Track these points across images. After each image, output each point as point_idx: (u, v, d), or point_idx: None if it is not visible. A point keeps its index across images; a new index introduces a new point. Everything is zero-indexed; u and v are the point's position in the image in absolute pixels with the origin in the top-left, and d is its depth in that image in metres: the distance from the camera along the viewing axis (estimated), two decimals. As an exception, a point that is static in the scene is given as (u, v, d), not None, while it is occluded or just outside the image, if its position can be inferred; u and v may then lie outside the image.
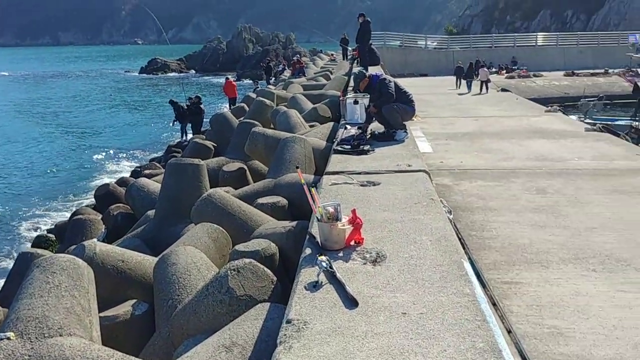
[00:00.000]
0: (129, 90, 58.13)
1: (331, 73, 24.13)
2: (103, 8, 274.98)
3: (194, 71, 75.73)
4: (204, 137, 14.56)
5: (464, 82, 25.62)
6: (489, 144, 11.28)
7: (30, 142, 30.00)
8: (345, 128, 8.52)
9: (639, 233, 5.90)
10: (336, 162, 6.76)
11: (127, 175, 17.24)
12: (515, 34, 51.62)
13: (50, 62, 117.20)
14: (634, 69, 34.13)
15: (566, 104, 23.49)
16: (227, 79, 29.06)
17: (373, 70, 16.05)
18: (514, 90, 27.06)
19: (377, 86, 8.26)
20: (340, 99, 10.40)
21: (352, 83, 10.97)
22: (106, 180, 17.73)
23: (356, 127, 8.32)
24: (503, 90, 25.28)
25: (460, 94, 23.49)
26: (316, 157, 8.36)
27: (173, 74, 73.73)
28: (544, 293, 4.60)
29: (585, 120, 17.45)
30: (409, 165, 6.40)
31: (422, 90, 23.39)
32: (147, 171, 14.46)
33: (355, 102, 9.06)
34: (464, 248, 4.49)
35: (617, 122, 18.46)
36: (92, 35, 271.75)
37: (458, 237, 4.69)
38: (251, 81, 46.45)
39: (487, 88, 24.08)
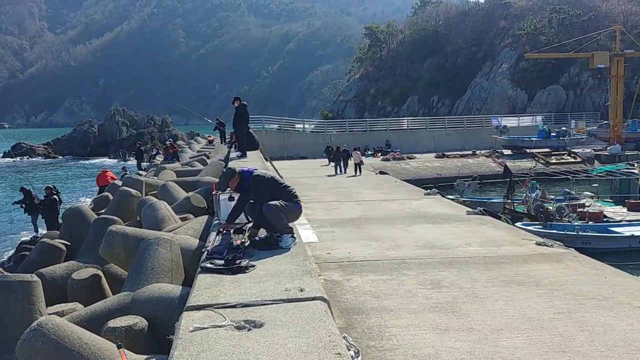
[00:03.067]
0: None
1: (208, 157, 23.11)
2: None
3: (61, 157, 71.32)
4: (58, 234, 12.70)
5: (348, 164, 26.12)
6: (375, 230, 11.01)
7: None
8: (219, 232, 6.73)
9: (546, 333, 5.51)
10: (203, 288, 4.97)
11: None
12: (388, 119, 54.45)
13: None
14: (499, 150, 36.94)
15: (440, 184, 24.42)
16: (104, 170, 27.16)
17: (252, 155, 15.39)
18: (391, 172, 27.81)
19: (249, 184, 6.55)
20: (213, 193, 8.28)
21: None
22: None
23: (232, 231, 6.38)
24: (381, 172, 25.79)
25: (329, 176, 23.66)
26: (186, 261, 6.91)
27: (39, 158, 68.94)
28: None
29: (461, 200, 18.00)
30: (301, 290, 4.83)
31: (302, 173, 23.28)
32: (-14, 277, 12.18)
33: (231, 199, 7.21)
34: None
35: (492, 202, 19.31)
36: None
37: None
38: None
39: (360, 170, 24.51)
